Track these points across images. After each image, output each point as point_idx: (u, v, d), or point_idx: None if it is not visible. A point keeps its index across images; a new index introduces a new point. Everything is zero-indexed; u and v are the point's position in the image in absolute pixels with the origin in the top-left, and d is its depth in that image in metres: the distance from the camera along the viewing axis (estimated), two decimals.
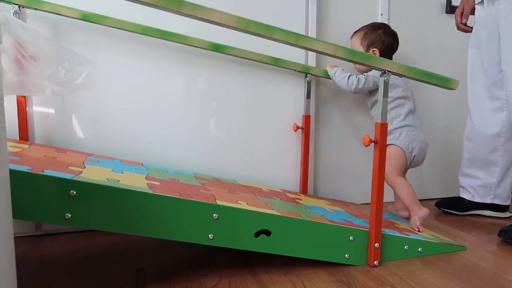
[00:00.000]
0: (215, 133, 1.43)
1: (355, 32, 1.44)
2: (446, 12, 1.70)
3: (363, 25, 1.44)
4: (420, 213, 1.24)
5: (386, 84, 1.01)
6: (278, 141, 1.49)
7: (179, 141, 1.38)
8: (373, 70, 1.34)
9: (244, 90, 1.44)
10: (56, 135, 1.26)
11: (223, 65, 1.40)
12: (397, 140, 1.33)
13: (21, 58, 0.63)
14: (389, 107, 1.33)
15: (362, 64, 1.04)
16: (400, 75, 1.04)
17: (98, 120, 1.30)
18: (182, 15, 0.85)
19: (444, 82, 1.07)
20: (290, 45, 0.94)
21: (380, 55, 1.37)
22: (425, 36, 1.67)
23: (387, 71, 1.01)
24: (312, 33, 1.48)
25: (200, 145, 1.41)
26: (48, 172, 0.82)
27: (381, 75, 1.02)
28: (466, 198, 1.54)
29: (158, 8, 0.83)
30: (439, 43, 1.70)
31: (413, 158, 1.34)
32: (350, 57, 0.98)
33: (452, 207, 1.56)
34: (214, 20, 0.86)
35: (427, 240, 1.14)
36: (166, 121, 1.37)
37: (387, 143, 1.30)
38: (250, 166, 1.46)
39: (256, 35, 0.91)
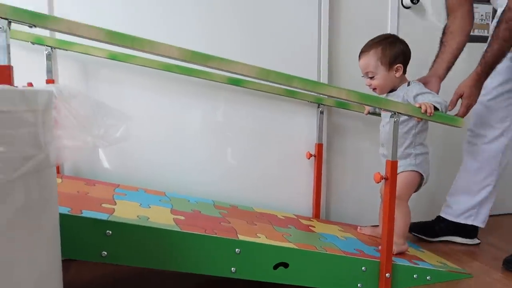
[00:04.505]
0: (232, 161, 1.50)
1: (365, 51, 1.27)
2: None
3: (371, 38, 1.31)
4: (403, 247, 1.28)
5: (396, 124, 1.07)
6: (292, 169, 1.56)
7: (198, 169, 1.46)
8: (426, 94, 1.20)
9: (260, 120, 1.51)
10: (84, 166, 1.34)
11: (240, 97, 1.48)
12: (420, 166, 1.28)
13: (72, 123, 0.70)
14: (418, 128, 1.27)
15: (373, 105, 1.10)
16: (409, 116, 1.11)
17: (122, 151, 1.38)
18: (209, 68, 0.93)
19: (452, 121, 1.13)
20: (307, 91, 1.01)
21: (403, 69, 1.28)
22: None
23: (397, 112, 1.07)
24: (324, 30, 1.54)
25: (218, 172, 1.48)
26: (86, 213, 0.90)
27: (391, 116, 1.08)
28: (448, 218, 1.56)
29: (187, 62, 0.91)
30: None
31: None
32: (362, 100, 1.05)
33: (424, 233, 1.59)
34: (237, 71, 0.94)
35: (435, 268, 1.20)
36: (186, 150, 1.44)
37: (411, 169, 1.27)
38: (265, 192, 1.53)
39: (276, 83, 0.98)
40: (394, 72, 1.27)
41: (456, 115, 1.26)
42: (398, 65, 1.26)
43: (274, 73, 0.96)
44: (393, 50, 1.25)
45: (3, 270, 0.57)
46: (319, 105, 1.52)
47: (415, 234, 1.59)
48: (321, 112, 1.53)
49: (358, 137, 1.66)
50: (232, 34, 1.45)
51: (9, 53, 0.79)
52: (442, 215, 1.60)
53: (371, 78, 1.27)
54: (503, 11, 1.24)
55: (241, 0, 1.45)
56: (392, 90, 1.30)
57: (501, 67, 1.33)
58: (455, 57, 1.38)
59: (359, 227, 1.47)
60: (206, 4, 1.42)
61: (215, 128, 1.47)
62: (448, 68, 1.38)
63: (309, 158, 1.54)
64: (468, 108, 1.31)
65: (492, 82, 1.42)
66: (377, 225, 1.45)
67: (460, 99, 1.32)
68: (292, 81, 0.97)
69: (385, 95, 1.31)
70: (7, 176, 0.54)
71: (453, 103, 1.32)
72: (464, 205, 1.54)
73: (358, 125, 1.64)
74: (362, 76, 1.31)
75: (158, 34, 0.93)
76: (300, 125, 1.56)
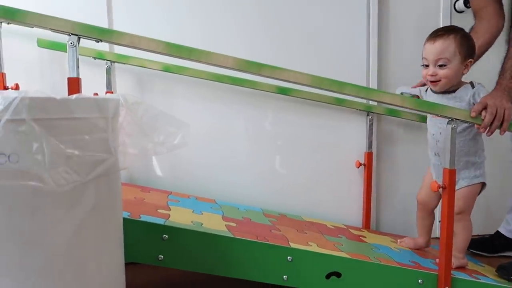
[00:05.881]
0: (281, 170, 1.50)
1: (443, 34, 1.11)
2: None
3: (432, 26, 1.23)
4: (463, 262, 1.21)
5: (454, 131, 1.03)
6: (341, 178, 1.54)
7: (247, 177, 1.47)
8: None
9: (308, 129, 1.51)
10: (138, 174, 1.40)
11: (288, 106, 1.48)
12: (484, 176, 1.20)
13: (135, 130, 0.74)
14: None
15: (429, 112, 1.06)
16: (468, 123, 1.06)
17: (174, 159, 1.42)
18: (262, 76, 0.94)
19: None
20: (360, 98, 1.00)
21: None
22: None
23: (455, 119, 1.03)
24: (373, 36, 1.52)
25: (267, 181, 1.49)
26: (144, 218, 0.93)
27: (448, 123, 1.04)
28: (507, 235, 1.49)
29: (240, 71, 0.94)
30: None
31: None
32: (417, 107, 1.02)
33: (481, 249, 1.50)
34: (290, 79, 0.95)
35: (498, 284, 1.13)
36: (234, 159, 1.46)
37: (478, 181, 1.18)
38: (314, 201, 1.52)
39: (328, 91, 0.98)
40: (464, 68, 1.13)
41: None
42: (470, 59, 1.12)
43: (327, 80, 0.96)
44: (469, 42, 1.13)
45: (74, 269, 0.61)
46: (368, 113, 1.50)
47: (473, 251, 1.50)
48: (370, 120, 1.50)
49: (408, 145, 1.61)
50: (278, 42, 1.46)
51: (78, 67, 0.84)
52: (501, 231, 1.53)
53: (441, 66, 1.10)
54: None
55: (287, 6, 1.46)
56: (448, 91, 1.16)
57: None
58: (477, 57, 1.27)
59: (398, 241, 1.37)
60: (251, 12, 1.44)
61: (263, 137, 1.48)
62: None
63: (358, 167, 1.52)
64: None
65: None
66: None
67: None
68: (345, 88, 0.96)
69: (440, 96, 1.18)
70: (82, 178, 0.58)
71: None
72: None
73: (408, 133, 1.59)
74: (422, 65, 1.15)
75: (203, 44, 0.95)
76: (348, 133, 1.53)
